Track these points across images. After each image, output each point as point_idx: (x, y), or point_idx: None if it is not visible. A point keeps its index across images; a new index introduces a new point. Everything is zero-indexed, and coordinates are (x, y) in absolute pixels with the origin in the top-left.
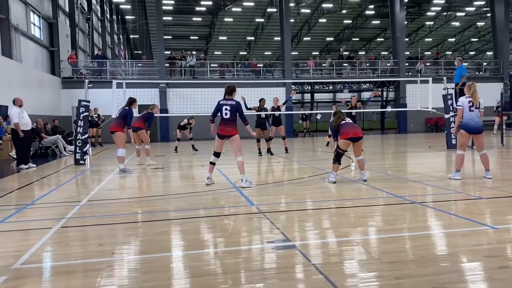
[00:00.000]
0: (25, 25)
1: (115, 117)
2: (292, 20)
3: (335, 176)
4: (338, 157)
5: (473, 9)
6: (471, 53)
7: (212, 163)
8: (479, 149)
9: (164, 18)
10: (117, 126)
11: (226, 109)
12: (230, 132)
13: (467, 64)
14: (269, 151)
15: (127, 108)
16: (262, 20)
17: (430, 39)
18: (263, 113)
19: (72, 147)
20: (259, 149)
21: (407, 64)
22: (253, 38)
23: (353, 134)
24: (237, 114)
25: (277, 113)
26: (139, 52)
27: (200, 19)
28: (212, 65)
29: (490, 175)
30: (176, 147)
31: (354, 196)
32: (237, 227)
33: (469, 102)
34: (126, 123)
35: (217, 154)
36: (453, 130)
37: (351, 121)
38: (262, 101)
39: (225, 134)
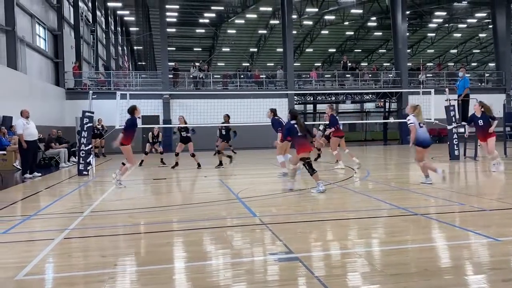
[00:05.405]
0: (31, 37)
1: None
2: (294, 32)
3: (323, 184)
4: (310, 166)
5: (474, 21)
6: (473, 64)
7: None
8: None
9: (168, 30)
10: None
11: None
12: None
13: (469, 75)
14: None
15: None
16: (265, 31)
17: (432, 51)
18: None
19: (76, 158)
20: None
21: (409, 76)
22: (256, 49)
23: (310, 148)
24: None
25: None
26: (143, 63)
27: (203, 30)
28: (215, 76)
29: (430, 181)
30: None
31: (357, 208)
32: (239, 238)
33: (417, 120)
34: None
35: None
36: (410, 145)
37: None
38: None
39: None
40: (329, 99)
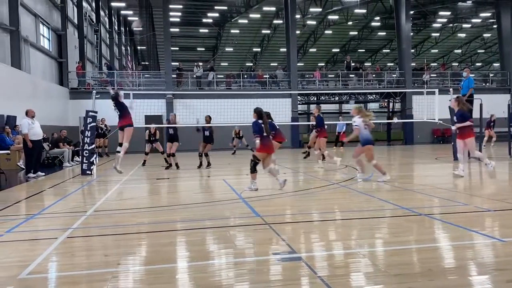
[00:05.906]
0: (35, 37)
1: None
2: (298, 32)
3: (256, 183)
4: (255, 166)
5: (479, 20)
6: (477, 64)
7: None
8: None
9: (171, 29)
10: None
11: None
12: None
13: (473, 75)
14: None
15: None
16: (268, 31)
17: (436, 50)
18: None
19: (79, 158)
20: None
21: (413, 76)
22: (259, 49)
23: (272, 150)
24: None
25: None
26: (146, 63)
27: (207, 30)
28: (218, 76)
29: (370, 178)
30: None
31: (360, 208)
32: (242, 238)
33: (363, 121)
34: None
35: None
36: (346, 141)
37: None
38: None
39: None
40: (333, 99)
